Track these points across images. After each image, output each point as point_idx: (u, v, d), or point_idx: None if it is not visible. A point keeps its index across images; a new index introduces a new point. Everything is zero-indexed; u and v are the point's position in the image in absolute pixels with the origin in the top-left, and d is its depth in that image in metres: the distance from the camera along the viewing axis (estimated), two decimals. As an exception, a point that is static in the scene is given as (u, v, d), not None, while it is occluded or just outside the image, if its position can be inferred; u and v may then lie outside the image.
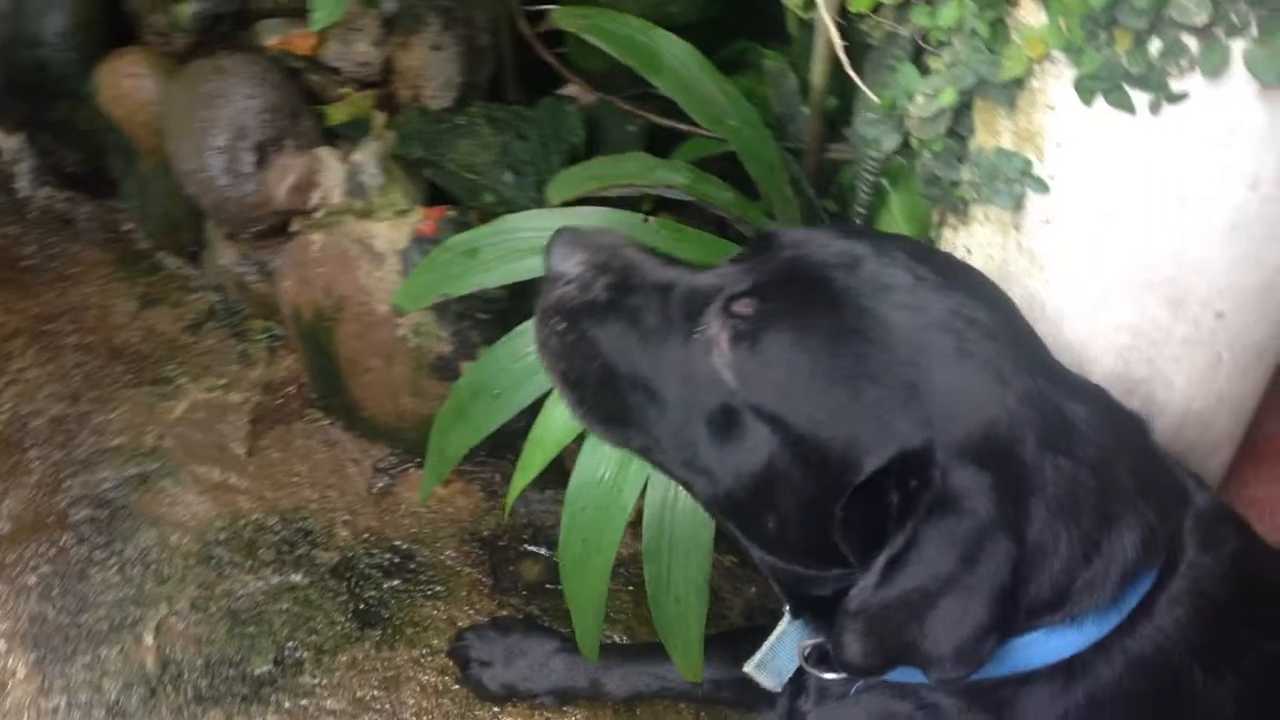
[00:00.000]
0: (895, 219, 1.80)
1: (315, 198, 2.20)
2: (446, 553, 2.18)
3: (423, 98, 2.15)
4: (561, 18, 1.74)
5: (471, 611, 2.09)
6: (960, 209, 1.30)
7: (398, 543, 2.19)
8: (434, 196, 2.15)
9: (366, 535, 2.20)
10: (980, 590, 1.10)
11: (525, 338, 1.69)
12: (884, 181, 1.73)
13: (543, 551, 2.19)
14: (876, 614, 1.12)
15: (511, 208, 2.00)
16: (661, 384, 1.26)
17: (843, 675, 1.35)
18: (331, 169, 2.19)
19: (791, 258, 1.24)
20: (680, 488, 1.37)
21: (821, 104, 1.71)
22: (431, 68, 2.13)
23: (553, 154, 2.02)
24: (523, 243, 1.69)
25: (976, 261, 1.31)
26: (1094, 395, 1.22)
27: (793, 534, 1.23)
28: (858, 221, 1.81)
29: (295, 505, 2.24)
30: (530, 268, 1.68)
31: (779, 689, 1.46)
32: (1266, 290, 1.16)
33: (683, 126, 1.89)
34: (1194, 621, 1.20)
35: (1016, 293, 1.26)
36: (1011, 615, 1.13)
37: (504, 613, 2.08)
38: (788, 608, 1.44)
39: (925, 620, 1.11)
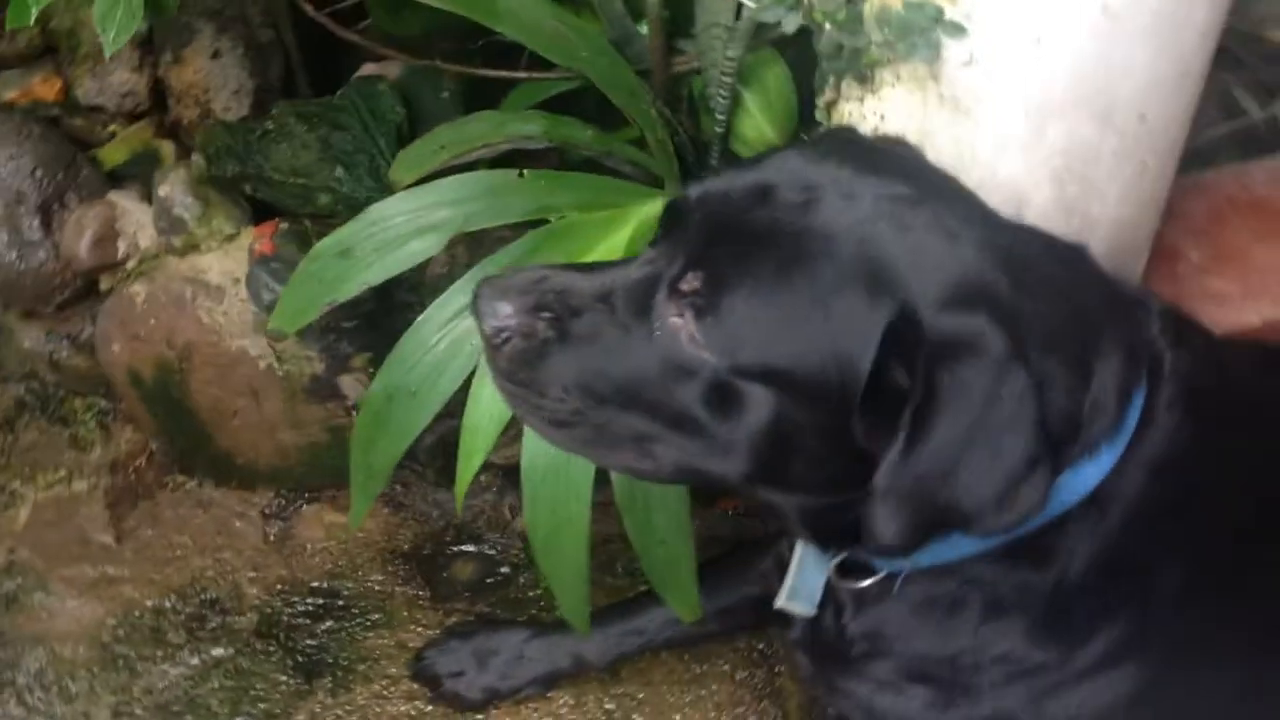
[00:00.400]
0: (755, 118, 1.79)
1: (122, 248, 2.02)
2: (372, 578, 2.06)
3: (214, 112, 1.99)
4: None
5: (419, 629, 1.99)
6: (868, 77, 1.29)
7: (316, 584, 2.06)
8: (259, 213, 1.99)
9: (280, 586, 2.05)
10: (1011, 425, 1.09)
11: (428, 328, 1.60)
12: (736, 84, 1.72)
13: (471, 549, 2.10)
14: (908, 485, 1.10)
15: (351, 202, 1.89)
16: (645, 390, 1.21)
17: (878, 578, 1.35)
18: (132, 212, 2.01)
19: (705, 217, 1.21)
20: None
21: (659, 18, 1.67)
22: (216, 77, 1.97)
23: (378, 137, 1.91)
24: (398, 229, 1.59)
25: (893, 127, 1.30)
26: (1034, 232, 1.24)
27: (822, 467, 1.20)
28: (718, 130, 1.78)
29: (189, 578, 2.07)
30: (414, 252, 1.58)
31: (814, 612, 1.44)
32: (1182, 80, 1.20)
33: (510, 74, 1.81)
34: (1193, 418, 1.24)
35: (943, 144, 1.27)
36: (1046, 446, 1.11)
37: (453, 620, 1.98)
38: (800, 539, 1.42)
39: (959, 475, 1.09)
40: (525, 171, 1.60)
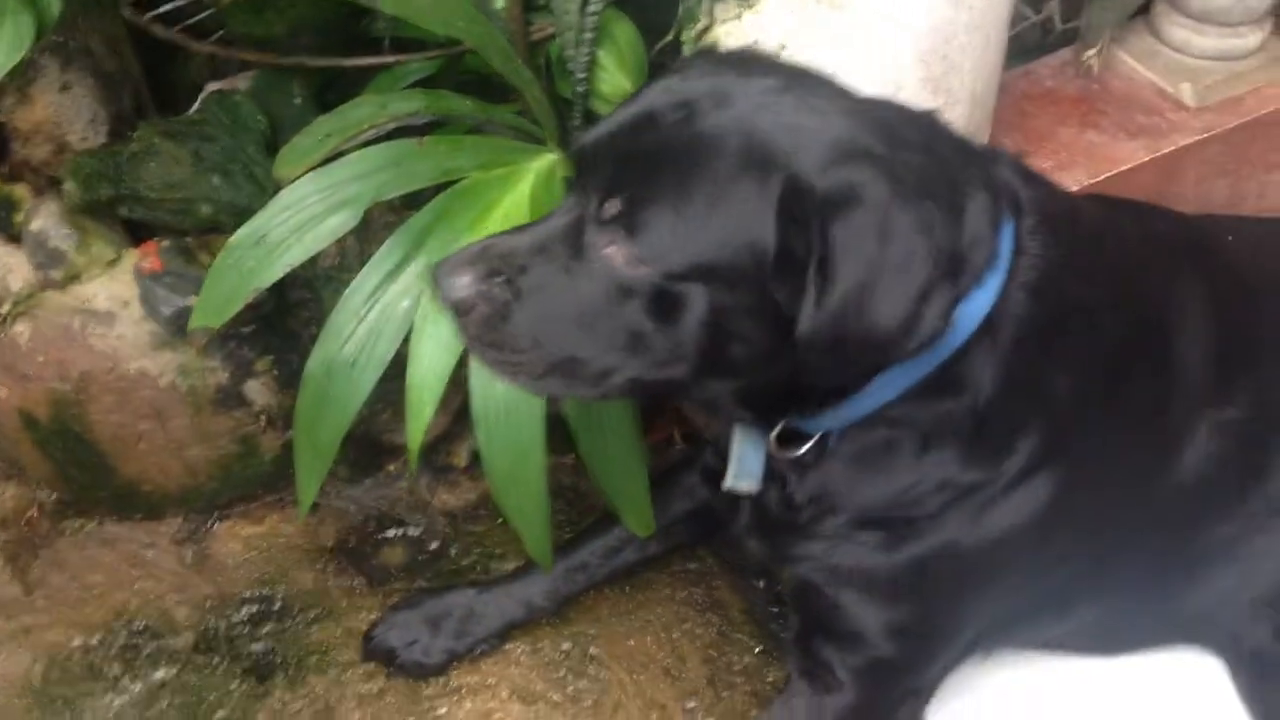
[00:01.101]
0: (611, 74, 1.95)
1: (-9, 293, 1.98)
2: (303, 578, 2.10)
3: (70, 144, 1.99)
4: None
5: (363, 615, 2.04)
6: (747, -2, 1.46)
7: (247, 593, 2.08)
8: (134, 235, 2.01)
9: (210, 603, 2.06)
10: (904, 257, 1.23)
11: (357, 298, 1.69)
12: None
13: (395, 533, 2.16)
14: (826, 329, 1.24)
15: (233, 208, 1.94)
16: (598, 320, 1.34)
17: (813, 442, 1.51)
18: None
19: (605, 154, 1.35)
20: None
21: (518, -11, 1.80)
22: (69, 110, 1.98)
23: (247, 145, 1.97)
24: (313, 209, 1.67)
25: (773, 39, 1.48)
26: (889, 103, 1.42)
27: (757, 345, 1.34)
28: (579, 90, 1.93)
29: (112, 613, 2.05)
30: (332, 228, 1.67)
31: (759, 488, 1.59)
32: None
33: (379, 60, 1.90)
34: (1055, 243, 1.44)
35: (822, 42, 1.44)
36: (937, 270, 1.25)
37: (394, 600, 2.04)
38: (737, 425, 1.57)
39: (867, 309, 1.23)
40: (425, 139, 1.69)
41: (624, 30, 1.95)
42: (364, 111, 1.80)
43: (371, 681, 1.95)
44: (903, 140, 1.32)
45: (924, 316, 1.25)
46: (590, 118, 1.97)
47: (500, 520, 2.17)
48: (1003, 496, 1.50)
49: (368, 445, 2.15)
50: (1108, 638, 1.76)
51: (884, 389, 1.41)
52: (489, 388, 1.63)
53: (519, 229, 1.41)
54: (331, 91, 2.11)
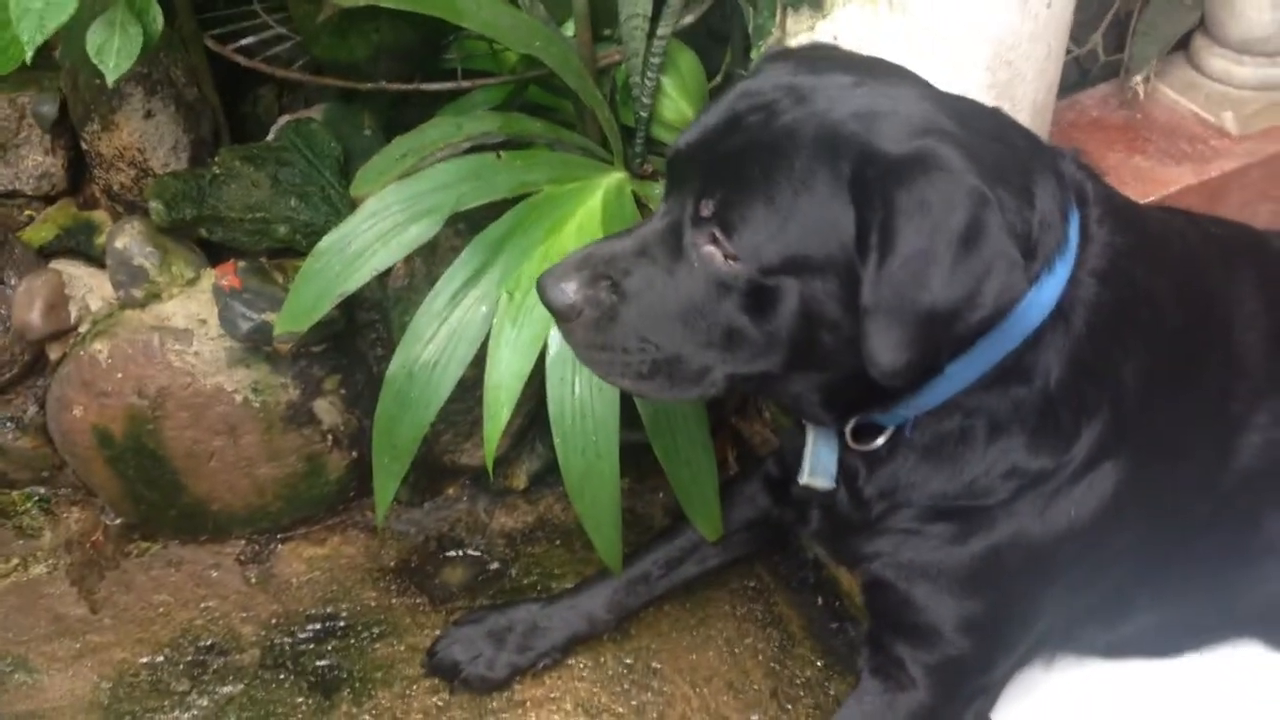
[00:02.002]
0: (673, 100, 2.04)
1: (74, 312, 2.06)
2: (366, 597, 2.13)
3: (153, 169, 2.08)
4: (342, -1, 1.77)
5: (426, 632, 2.06)
6: (820, 3, 1.54)
7: (312, 611, 2.11)
8: (210, 256, 2.08)
9: (275, 621, 2.09)
10: (969, 226, 1.25)
11: (439, 301, 1.75)
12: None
13: (456, 554, 2.19)
14: (888, 297, 1.27)
15: (310, 229, 2.01)
16: (698, 316, 1.40)
17: (888, 435, 1.55)
18: (79, 278, 2.08)
19: (697, 157, 1.41)
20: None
21: (586, 15, 1.89)
22: (152, 137, 2.06)
23: (323, 170, 2.05)
24: (396, 218, 1.75)
25: (848, 43, 1.56)
26: (960, 96, 1.49)
27: (844, 333, 1.37)
28: (643, 114, 2.01)
29: (179, 631, 2.08)
30: (415, 236, 1.74)
31: (833, 484, 1.63)
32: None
33: (454, 86, 1.98)
34: (1121, 233, 1.50)
35: (892, 48, 1.52)
36: (1004, 243, 1.27)
37: (456, 617, 2.06)
38: (809, 424, 1.62)
39: (931, 278, 1.25)
40: (502, 154, 1.77)
41: (686, 59, 2.04)
42: (440, 131, 1.89)
43: (436, 695, 1.97)
44: (975, 126, 1.38)
45: (985, 293, 1.27)
46: (651, 143, 2.06)
47: (558, 541, 2.21)
48: (1070, 484, 1.54)
49: (428, 468, 2.20)
50: (1169, 638, 1.78)
51: (957, 376, 1.46)
52: (564, 393, 1.69)
53: (617, 236, 1.47)
54: (399, 123, 2.19)
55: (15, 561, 2.20)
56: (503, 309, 1.71)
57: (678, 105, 2.03)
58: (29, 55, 1.56)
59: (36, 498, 2.27)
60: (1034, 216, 1.39)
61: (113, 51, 1.58)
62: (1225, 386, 1.59)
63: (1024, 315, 1.41)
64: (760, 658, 2.02)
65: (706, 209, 1.37)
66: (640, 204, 1.84)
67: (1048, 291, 1.43)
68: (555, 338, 1.71)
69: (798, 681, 1.98)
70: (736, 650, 2.03)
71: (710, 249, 1.37)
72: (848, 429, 1.57)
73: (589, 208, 1.80)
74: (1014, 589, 1.60)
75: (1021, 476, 1.53)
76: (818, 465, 1.64)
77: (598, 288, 1.41)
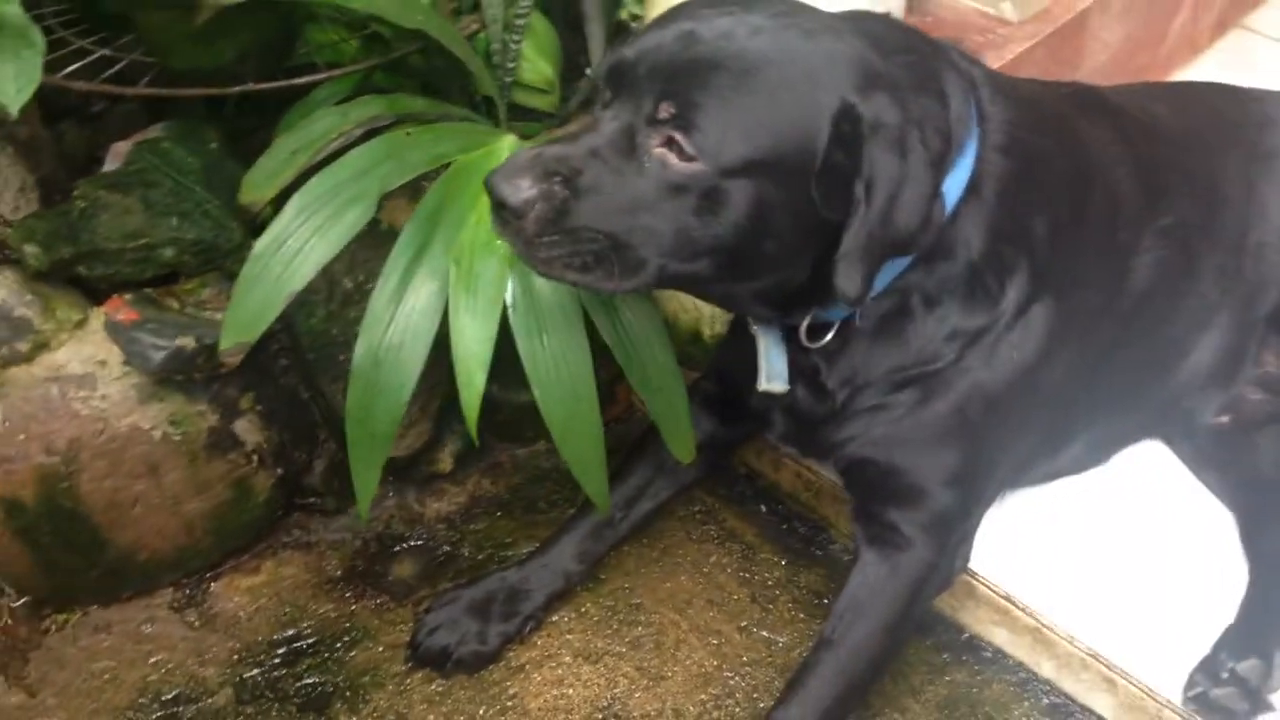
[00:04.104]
0: (533, 63, 2.11)
1: (-54, 382, 1.90)
2: (323, 610, 2.10)
3: (2, 217, 1.94)
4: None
5: (399, 628, 2.06)
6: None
7: (274, 637, 2.06)
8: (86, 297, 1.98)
9: (235, 657, 2.03)
10: (918, 168, 1.50)
11: (391, 282, 1.75)
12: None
13: (400, 548, 2.19)
14: (863, 241, 1.48)
15: (200, 246, 1.95)
16: (649, 216, 1.49)
17: (836, 328, 1.71)
18: (-57, 342, 1.91)
19: (650, 65, 1.49)
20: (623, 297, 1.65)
21: (451, -14, 1.92)
22: (-6, 182, 1.93)
23: (193, 185, 1.99)
24: (330, 208, 1.73)
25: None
26: (864, 14, 1.67)
27: (789, 242, 1.54)
28: (508, 79, 2.06)
29: (136, 691, 1.99)
30: (353, 222, 1.74)
31: (788, 387, 1.77)
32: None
33: (302, 80, 1.96)
34: (1008, 104, 1.72)
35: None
36: (939, 169, 1.56)
37: (423, 608, 2.06)
38: (758, 328, 1.75)
39: (895, 219, 1.48)
40: (410, 130, 1.79)
41: (539, 22, 2.11)
42: (328, 122, 1.89)
43: (433, 683, 1.98)
44: (890, 48, 1.58)
45: (935, 211, 1.53)
46: (514, 109, 2.11)
47: (498, 513, 2.25)
48: (1007, 333, 1.74)
49: (344, 475, 2.17)
50: (1093, 453, 2.04)
51: (893, 266, 1.63)
52: (534, 345, 1.74)
53: (560, 140, 1.53)
54: (242, 132, 2.15)
55: (-82, 670, 2.02)
56: (454, 279, 1.73)
57: (537, 67, 2.10)
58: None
59: (-77, 594, 2.08)
60: (950, 115, 1.61)
61: (10, 79, 1.49)
62: (1111, 220, 1.84)
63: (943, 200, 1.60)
64: (729, 571, 2.13)
65: (664, 111, 1.47)
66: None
67: (961, 174, 1.65)
68: (511, 295, 1.74)
69: (769, 583, 2.11)
70: (705, 570, 2.13)
71: (663, 150, 1.48)
72: (802, 330, 1.71)
73: (501, 171, 1.84)
74: (979, 435, 1.79)
75: (963, 336, 1.73)
76: (772, 371, 1.78)
77: (550, 183, 1.47)
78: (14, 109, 1.51)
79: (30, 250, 1.86)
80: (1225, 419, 2.03)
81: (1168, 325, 1.93)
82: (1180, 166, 1.94)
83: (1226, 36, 3.19)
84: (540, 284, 1.73)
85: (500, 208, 1.48)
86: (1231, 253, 1.95)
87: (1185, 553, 1.96)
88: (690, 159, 1.46)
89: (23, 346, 1.89)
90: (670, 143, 1.47)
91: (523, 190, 1.46)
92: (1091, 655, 1.86)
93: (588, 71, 2.16)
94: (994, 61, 2.36)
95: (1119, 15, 2.70)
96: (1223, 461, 2.03)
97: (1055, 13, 2.53)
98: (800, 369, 1.78)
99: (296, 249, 1.70)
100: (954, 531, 1.83)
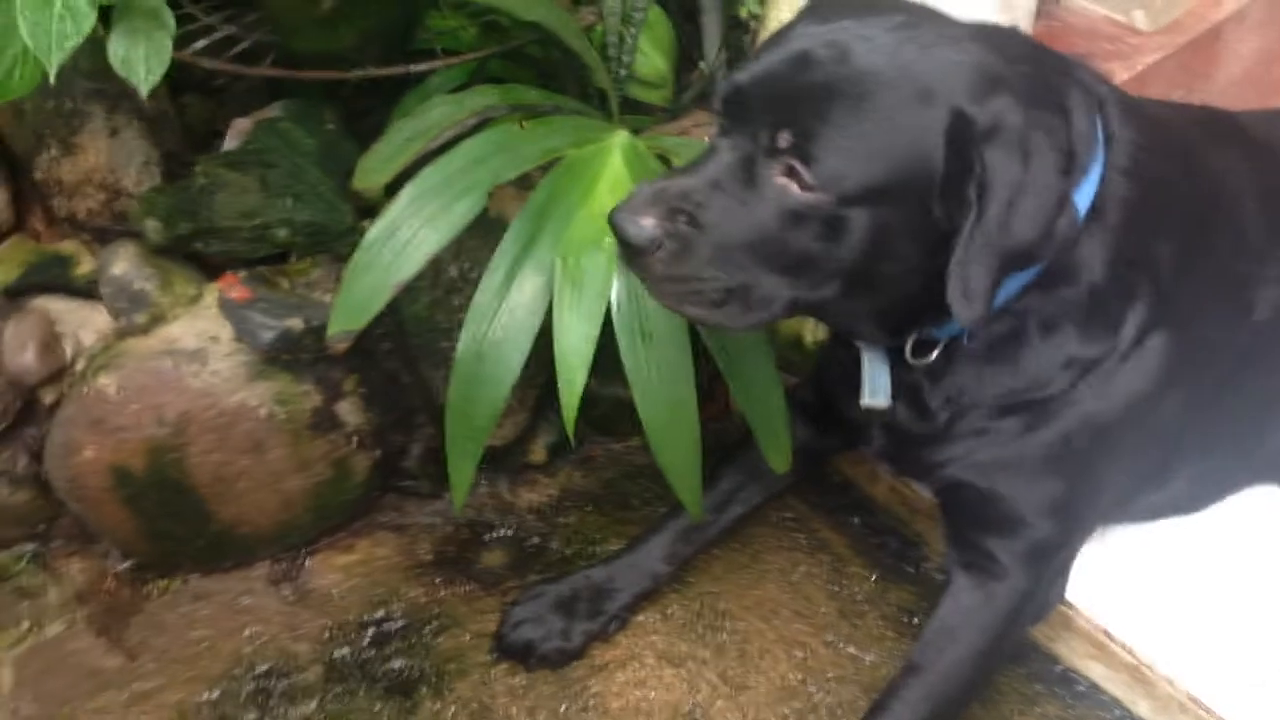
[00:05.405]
0: (649, 56, 2.09)
1: (69, 350, 1.96)
2: (414, 594, 2.13)
3: (125, 189, 2.00)
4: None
5: (486, 616, 2.08)
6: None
7: (364, 617, 2.09)
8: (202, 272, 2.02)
9: (327, 634, 2.07)
10: (1041, 175, 1.44)
11: (496, 276, 1.76)
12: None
13: (490, 536, 2.20)
14: (979, 247, 1.43)
15: (311, 228, 1.99)
16: (771, 244, 1.48)
17: (942, 346, 1.67)
18: (66, 313, 1.98)
19: (765, 92, 1.48)
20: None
21: (571, -19, 1.92)
22: (120, 155, 1.99)
23: (309, 166, 2.02)
24: (441, 199, 1.74)
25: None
26: (988, 25, 1.62)
27: (909, 262, 1.51)
28: (623, 72, 2.05)
29: (231, 661, 2.03)
30: (462, 213, 1.76)
31: (890, 403, 1.74)
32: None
33: (421, 67, 1.97)
34: (1134, 126, 1.66)
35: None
36: (1067, 181, 1.49)
37: (510, 598, 2.07)
38: (865, 347, 1.72)
39: (1014, 225, 1.42)
40: (524, 122, 1.79)
41: (656, 15, 2.10)
42: (443, 111, 1.90)
43: (516, 676, 1.99)
44: (1015, 57, 1.52)
45: (1060, 224, 1.46)
46: (626, 102, 2.10)
47: (589, 508, 2.26)
48: (1123, 364, 1.69)
49: (439, 460, 2.18)
50: (1201, 492, 1.97)
51: (1010, 286, 1.58)
52: (636, 346, 1.73)
53: (682, 172, 1.52)
54: (359, 113, 2.17)
55: (26, 625, 2.09)
56: (560, 275, 1.73)
57: (653, 61, 2.09)
58: (54, 75, 1.48)
59: (28, 554, 2.15)
60: (1072, 132, 1.56)
61: (141, 60, 1.52)
62: (1236, 251, 1.77)
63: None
64: (817, 582, 2.11)
65: (784, 141, 1.45)
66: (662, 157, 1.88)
67: (1084, 195, 1.59)
68: (616, 295, 1.74)
69: (858, 598, 2.08)
70: (793, 579, 2.11)
71: (784, 180, 1.45)
72: (908, 346, 1.67)
73: (613, 166, 1.85)
74: (1085, 466, 1.74)
75: (1079, 364, 1.67)
76: (876, 386, 1.74)
77: (675, 220, 1.47)
78: (145, 90, 1.55)
79: (151, 225, 1.91)
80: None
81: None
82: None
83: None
84: (645, 285, 1.72)
85: (626, 246, 1.48)
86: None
87: (1292, 602, 1.88)
88: (811, 188, 1.44)
89: (140, 319, 1.95)
90: (791, 172, 1.45)
91: (647, 229, 1.47)
92: (1192, 700, 1.79)
93: (700, 65, 2.14)
94: (1122, 72, 2.30)
95: (1255, 27, 2.60)
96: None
97: (1188, 23, 2.45)
98: (903, 385, 1.75)
99: (407, 239, 1.72)
100: (1052, 562, 1.79)
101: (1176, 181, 1.70)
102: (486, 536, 2.21)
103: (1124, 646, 1.85)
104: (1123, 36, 2.40)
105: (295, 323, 1.91)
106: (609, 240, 1.70)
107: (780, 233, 1.47)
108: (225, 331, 1.95)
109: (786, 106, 1.46)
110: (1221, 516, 1.99)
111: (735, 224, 1.48)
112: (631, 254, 1.49)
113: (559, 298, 1.73)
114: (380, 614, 2.09)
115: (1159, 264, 1.67)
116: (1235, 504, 2.01)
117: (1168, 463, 1.87)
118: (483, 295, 1.73)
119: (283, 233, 1.97)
